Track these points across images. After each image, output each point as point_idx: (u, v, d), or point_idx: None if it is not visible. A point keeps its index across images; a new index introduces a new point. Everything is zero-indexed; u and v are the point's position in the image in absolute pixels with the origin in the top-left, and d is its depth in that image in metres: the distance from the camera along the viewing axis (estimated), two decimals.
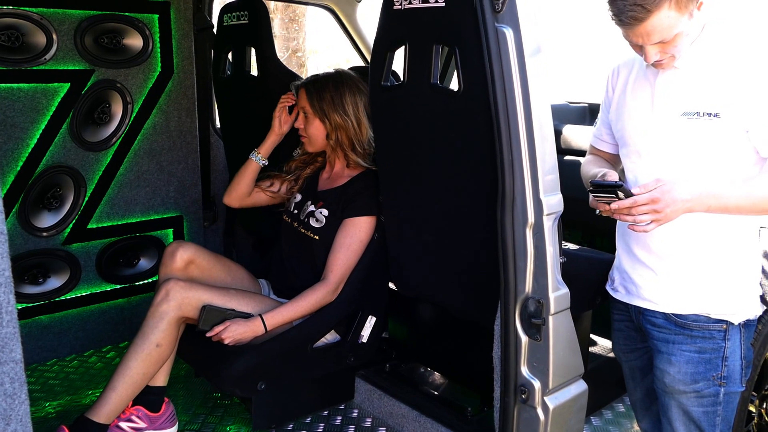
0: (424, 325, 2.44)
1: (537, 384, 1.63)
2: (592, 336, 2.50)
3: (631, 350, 1.81)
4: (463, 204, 1.85)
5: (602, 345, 2.55)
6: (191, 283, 2.07)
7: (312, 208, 2.31)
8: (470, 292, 1.94)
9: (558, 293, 1.62)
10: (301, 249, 2.31)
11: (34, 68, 2.44)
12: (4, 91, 2.40)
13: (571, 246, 2.43)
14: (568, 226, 3.06)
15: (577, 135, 2.88)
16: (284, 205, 2.42)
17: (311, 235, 2.27)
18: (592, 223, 2.49)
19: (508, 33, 1.54)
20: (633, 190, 1.45)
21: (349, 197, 2.24)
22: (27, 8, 2.37)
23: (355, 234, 2.22)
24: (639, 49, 1.49)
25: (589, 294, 2.13)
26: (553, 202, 1.61)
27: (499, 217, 1.62)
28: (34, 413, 2.30)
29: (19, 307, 2.58)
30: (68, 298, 2.70)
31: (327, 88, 2.23)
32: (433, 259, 2.03)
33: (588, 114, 3.13)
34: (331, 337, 2.26)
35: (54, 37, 2.45)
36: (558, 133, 2.93)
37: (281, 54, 7.27)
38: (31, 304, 2.60)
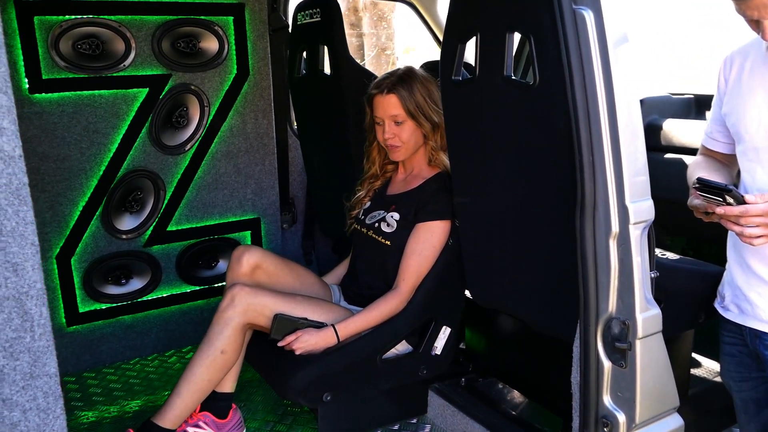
0: (503, 338, 2.27)
1: (621, 417, 1.44)
2: (695, 356, 2.24)
3: (744, 379, 1.57)
4: (541, 208, 1.68)
5: (707, 367, 2.27)
6: (257, 289, 2.02)
7: (383, 213, 2.20)
8: (549, 305, 1.76)
9: (647, 314, 1.41)
10: (372, 255, 2.21)
11: (114, 75, 2.48)
12: (87, 98, 2.46)
13: (671, 255, 2.18)
14: (671, 232, 2.79)
15: (680, 130, 2.60)
16: (353, 214, 2.33)
17: (382, 240, 2.16)
18: (698, 229, 2.22)
19: (588, 16, 1.36)
20: (747, 198, 1.24)
21: (422, 201, 2.12)
22: (106, 17, 2.42)
23: (428, 239, 2.09)
24: (755, 25, 1.27)
25: (690, 311, 1.90)
26: (642, 208, 1.40)
27: (578, 226, 1.44)
28: (113, 412, 2.35)
29: (104, 307, 2.65)
30: (150, 298, 2.75)
31: (416, 87, 2.09)
32: (508, 268, 1.87)
33: (694, 106, 2.82)
34: (402, 347, 2.14)
35: (132, 43, 2.49)
36: (658, 129, 2.66)
37: (369, 52, 7.23)
38: (114, 305, 2.67)
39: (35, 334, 1.07)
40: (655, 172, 2.56)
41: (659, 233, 2.76)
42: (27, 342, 1.06)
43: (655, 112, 2.73)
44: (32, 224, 1.05)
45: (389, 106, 2.08)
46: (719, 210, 1.27)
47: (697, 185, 1.31)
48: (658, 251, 2.19)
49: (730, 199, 1.24)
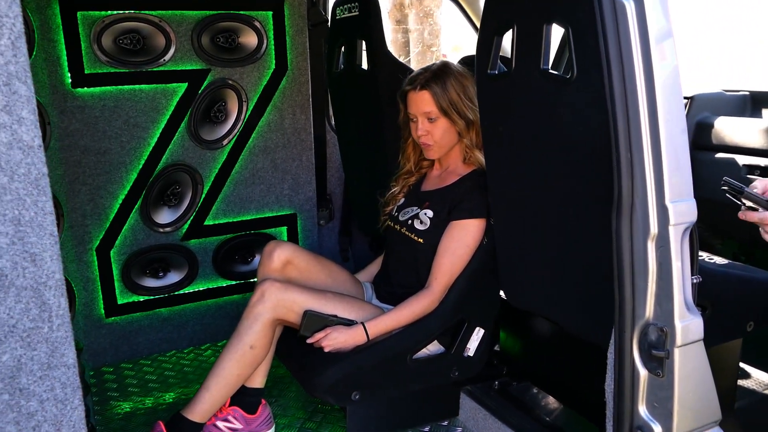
0: (539, 341, 2.20)
1: (657, 428, 1.36)
2: (744, 366, 2.12)
3: None
4: (576, 207, 1.61)
5: (757, 378, 2.15)
6: (288, 285, 2.01)
7: (416, 209, 2.16)
8: (584, 308, 1.69)
9: (687, 321, 1.33)
10: (405, 253, 2.17)
11: (155, 69, 2.51)
12: (128, 92, 2.49)
13: (719, 260, 2.06)
14: (721, 235, 2.66)
15: (733, 128, 2.47)
16: (386, 210, 2.29)
17: (415, 238, 2.12)
18: (751, 232, 2.12)
19: (629, 6, 1.29)
20: None
21: (457, 198, 2.06)
22: (147, 12, 2.45)
23: (462, 238, 2.04)
24: None
25: (738, 319, 1.80)
26: (683, 209, 1.32)
27: (614, 226, 1.37)
28: (148, 404, 2.38)
29: (141, 299, 2.69)
30: (186, 292, 2.78)
31: (450, 83, 2.04)
32: (543, 268, 1.80)
33: (749, 104, 2.67)
34: (433, 348, 2.10)
35: (172, 38, 2.51)
36: (709, 127, 2.54)
37: (414, 49, 7.17)
38: (152, 297, 2.71)
39: (53, 324, 1.06)
40: (705, 173, 2.47)
41: (709, 236, 2.64)
42: (45, 332, 1.06)
43: (706, 109, 2.61)
44: (51, 214, 1.05)
45: (422, 102, 2.03)
46: (740, 214, 1.18)
47: (724, 186, 1.22)
48: (705, 255, 2.09)
49: (748, 203, 1.16)
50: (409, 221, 2.15)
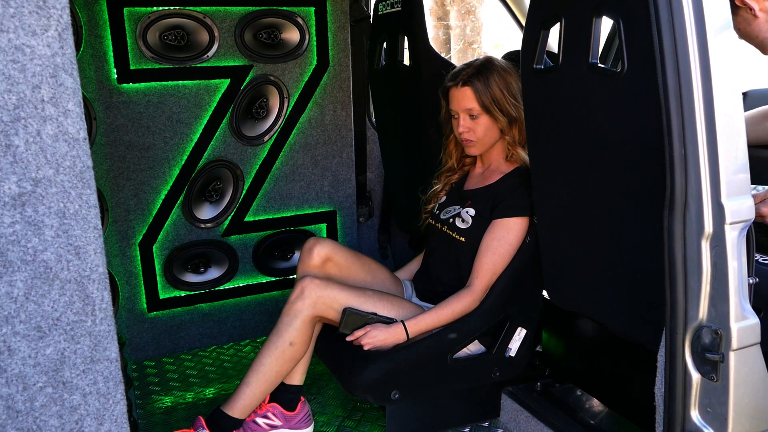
0: (583, 342, 2.15)
1: None
2: None
3: None
4: (626, 205, 1.56)
5: None
6: (327, 282, 2.00)
7: (458, 208, 2.13)
8: (632, 310, 1.63)
9: (743, 323, 1.28)
10: (446, 252, 2.14)
11: (198, 65, 2.54)
12: (172, 88, 2.52)
13: None
14: None
15: None
16: (428, 208, 2.26)
17: (457, 236, 2.09)
18: None
19: None
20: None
21: (499, 196, 2.03)
22: (191, 7, 2.47)
23: (505, 236, 2.00)
24: None
25: None
26: (740, 207, 1.27)
27: (666, 225, 1.32)
28: (188, 398, 2.40)
29: (183, 295, 2.72)
30: (227, 288, 2.80)
31: (492, 79, 2.01)
32: (589, 268, 1.75)
33: None
34: (474, 348, 2.07)
35: (216, 34, 2.53)
36: None
37: (455, 46, 7.12)
38: (193, 292, 2.73)
39: (96, 318, 1.07)
40: (758, 171, 2.37)
41: (761, 236, 2.54)
42: (88, 326, 1.06)
43: (760, 105, 2.51)
44: (95, 208, 1.05)
45: (464, 99, 2.00)
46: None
47: None
48: (759, 256, 2.01)
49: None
50: (451, 220, 2.13)
